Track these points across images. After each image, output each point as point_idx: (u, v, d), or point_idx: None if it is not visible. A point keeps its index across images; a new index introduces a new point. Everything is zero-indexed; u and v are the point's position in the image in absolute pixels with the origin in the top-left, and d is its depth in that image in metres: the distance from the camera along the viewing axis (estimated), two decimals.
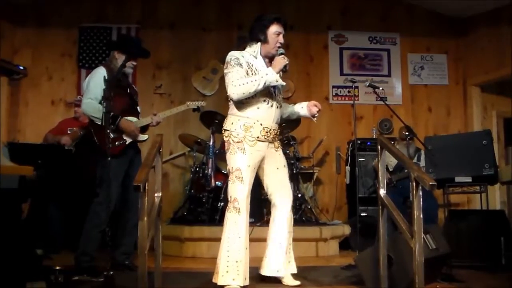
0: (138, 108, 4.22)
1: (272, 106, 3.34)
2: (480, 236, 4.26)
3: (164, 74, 6.82)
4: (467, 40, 7.05)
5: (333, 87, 7.03)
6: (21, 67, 6.57)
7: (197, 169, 5.79)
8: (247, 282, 3.24)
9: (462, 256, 4.14)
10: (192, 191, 5.73)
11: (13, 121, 6.53)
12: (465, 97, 7.10)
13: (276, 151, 3.44)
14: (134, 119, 4.01)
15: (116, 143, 3.81)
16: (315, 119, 3.54)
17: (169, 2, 6.90)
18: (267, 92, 3.32)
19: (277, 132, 3.43)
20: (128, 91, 4.05)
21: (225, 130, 3.36)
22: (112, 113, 3.70)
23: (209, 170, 5.53)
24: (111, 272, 3.08)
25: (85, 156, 4.30)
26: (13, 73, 6.57)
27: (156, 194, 3.07)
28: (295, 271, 3.54)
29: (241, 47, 3.48)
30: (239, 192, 3.25)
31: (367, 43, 7.14)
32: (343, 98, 7.02)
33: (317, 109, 3.51)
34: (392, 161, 5.47)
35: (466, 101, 7.07)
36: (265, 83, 3.20)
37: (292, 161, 5.71)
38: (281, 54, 3.31)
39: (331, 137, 6.79)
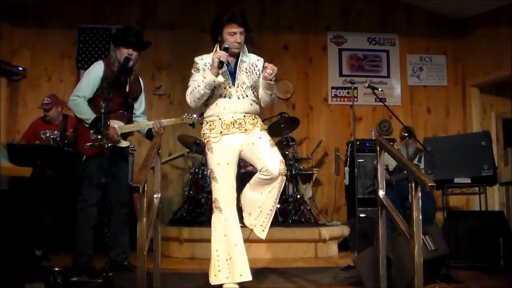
0: (136, 111, 4.09)
1: (231, 98, 3.30)
2: (479, 237, 4.26)
3: (163, 75, 6.82)
4: (465, 41, 7.05)
5: (332, 88, 7.03)
6: (20, 68, 6.58)
7: (196, 170, 5.78)
8: (245, 278, 3.17)
9: (461, 257, 4.15)
10: (191, 192, 5.73)
11: (12, 122, 6.52)
12: (464, 98, 7.10)
13: (249, 133, 3.32)
14: (119, 123, 3.88)
15: (96, 144, 3.72)
16: (272, 82, 3.28)
17: (168, 2, 6.91)
18: (224, 87, 3.31)
19: (243, 122, 3.31)
20: (127, 89, 3.96)
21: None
22: (96, 116, 3.68)
23: (208, 171, 5.53)
24: (110, 273, 3.07)
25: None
26: (12, 74, 6.58)
27: (155, 195, 3.07)
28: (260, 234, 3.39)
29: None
30: (216, 191, 3.27)
31: (366, 44, 7.14)
32: (342, 99, 7.02)
33: (269, 71, 3.22)
34: (392, 161, 5.47)
35: (465, 102, 7.08)
36: (205, 86, 3.22)
37: (291, 162, 5.71)
38: (225, 48, 3.25)
39: (330, 138, 6.80)
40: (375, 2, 7.18)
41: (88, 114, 3.74)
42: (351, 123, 5.58)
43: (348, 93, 6.96)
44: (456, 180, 4.37)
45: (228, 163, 3.29)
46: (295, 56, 7.01)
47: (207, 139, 3.32)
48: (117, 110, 3.85)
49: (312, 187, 6.53)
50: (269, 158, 3.26)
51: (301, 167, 6.29)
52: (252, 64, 3.44)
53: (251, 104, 3.37)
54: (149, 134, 4.01)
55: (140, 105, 4.15)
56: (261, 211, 3.34)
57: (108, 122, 3.48)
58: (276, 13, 6.99)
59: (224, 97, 3.31)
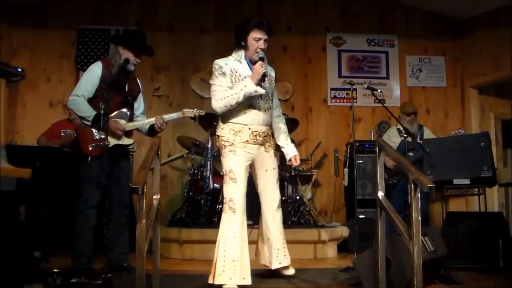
0: (136, 112, 4.09)
1: (259, 110, 3.42)
2: (478, 238, 4.26)
3: (162, 76, 6.82)
4: (464, 42, 7.06)
5: (331, 89, 7.03)
6: (19, 69, 6.57)
7: (196, 171, 5.78)
8: (247, 282, 3.25)
9: (460, 258, 4.15)
10: (191, 193, 5.72)
11: (11, 122, 6.51)
12: (463, 99, 7.11)
13: (266, 152, 3.53)
14: (121, 121, 3.91)
15: (100, 144, 3.72)
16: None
17: (167, 3, 6.91)
18: (253, 98, 3.39)
19: (266, 134, 3.52)
20: (127, 88, 3.96)
21: (217, 136, 3.50)
22: (96, 113, 3.66)
23: (208, 172, 5.53)
24: (109, 275, 3.07)
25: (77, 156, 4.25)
26: (11, 75, 6.57)
27: (154, 197, 3.06)
28: (286, 263, 3.70)
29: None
30: (234, 192, 3.33)
31: (365, 45, 7.14)
32: (341, 100, 7.02)
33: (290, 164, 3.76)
34: (396, 138, 5.48)
35: (464, 103, 7.08)
36: (244, 95, 3.30)
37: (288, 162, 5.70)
38: (260, 58, 3.37)
39: (330, 139, 6.80)
40: (374, 3, 7.18)
41: (88, 112, 3.75)
42: (350, 124, 5.59)
43: (347, 94, 6.96)
44: (455, 181, 4.37)
45: (246, 169, 3.43)
46: (294, 57, 7.01)
47: (231, 142, 3.38)
48: (118, 109, 3.87)
49: (311, 188, 6.53)
50: (269, 194, 3.59)
51: (300, 168, 6.27)
52: (269, 74, 3.56)
53: (270, 117, 3.57)
54: (151, 131, 4.03)
55: (139, 106, 4.16)
56: (277, 249, 3.62)
57: (109, 119, 3.48)
58: (275, 14, 6.98)
59: (254, 107, 3.40)
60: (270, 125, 3.59)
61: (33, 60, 6.65)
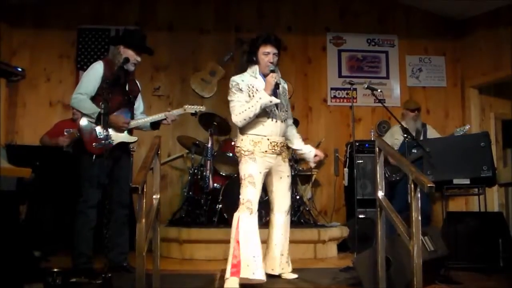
0: (136, 111, 4.11)
1: (276, 121, 3.61)
2: (478, 238, 4.27)
3: (162, 76, 6.82)
4: (465, 42, 7.06)
5: (331, 89, 7.03)
6: (19, 69, 6.53)
7: (195, 171, 5.78)
8: (264, 278, 3.43)
9: (460, 258, 4.15)
10: (190, 193, 5.72)
11: (11, 122, 6.51)
12: (463, 99, 7.10)
13: (283, 161, 3.73)
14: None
15: (102, 142, 3.72)
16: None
17: (167, 3, 6.90)
18: (271, 109, 3.57)
19: (284, 145, 3.71)
20: (127, 88, 3.98)
21: (236, 147, 3.67)
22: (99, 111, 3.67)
23: (207, 172, 5.53)
24: (109, 274, 3.07)
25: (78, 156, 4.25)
26: (11, 74, 6.56)
27: (154, 196, 3.07)
28: (290, 270, 3.85)
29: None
30: (252, 195, 3.50)
31: (365, 45, 7.14)
32: (341, 100, 7.02)
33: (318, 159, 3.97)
34: (399, 136, 5.46)
35: (464, 103, 7.08)
36: (261, 106, 3.48)
37: (291, 163, 5.70)
38: (272, 71, 3.54)
39: (330, 139, 6.80)
40: (374, 3, 7.18)
41: (92, 109, 3.76)
42: (350, 124, 5.58)
43: (347, 94, 6.96)
44: (455, 181, 4.37)
45: (263, 174, 3.61)
46: (294, 56, 7.00)
47: (251, 151, 3.55)
48: (119, 108, 3.88)
49: (311, 188, 6.53)
50: (282, 201, 3.79)
51: (300, 168, 6.29)
52: (283, 87, 3.76)
53: (286, 128, 3.77)
54: (154, 126, 4.10)
55: (139, 106, 4.20)
56: (282, 255, 3.80)
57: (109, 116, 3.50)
58: (275, 14, 6.99)
59: (272, 119, 3.60)
60: (285, 137, 3.77)
61: (33, 60, 6.64)
